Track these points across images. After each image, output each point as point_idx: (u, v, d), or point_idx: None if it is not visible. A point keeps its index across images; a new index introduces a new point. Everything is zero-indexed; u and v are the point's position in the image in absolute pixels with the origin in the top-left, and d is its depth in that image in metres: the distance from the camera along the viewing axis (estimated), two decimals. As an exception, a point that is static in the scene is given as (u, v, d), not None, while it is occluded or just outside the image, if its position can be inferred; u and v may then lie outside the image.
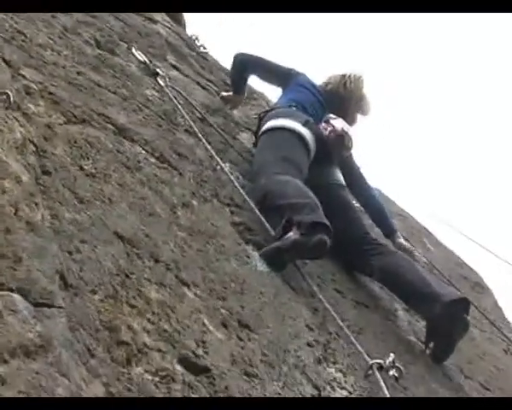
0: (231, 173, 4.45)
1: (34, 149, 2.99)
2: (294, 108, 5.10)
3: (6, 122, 2.93)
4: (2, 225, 2.37)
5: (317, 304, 3.82)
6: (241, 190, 4.24)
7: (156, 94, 4.67)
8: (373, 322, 4.34)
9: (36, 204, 2.63)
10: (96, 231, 2.88)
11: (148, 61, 4.95)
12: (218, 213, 3.95)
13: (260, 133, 5.01)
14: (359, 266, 4.83)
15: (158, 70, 4.94)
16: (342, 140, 5.00)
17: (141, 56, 4.95)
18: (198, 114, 5.03)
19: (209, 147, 4.47)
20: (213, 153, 4.43)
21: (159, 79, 4.87)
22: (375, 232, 5.24)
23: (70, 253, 2.63)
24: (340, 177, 5.14)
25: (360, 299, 4.51)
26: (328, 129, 4.97)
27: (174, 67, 5.53)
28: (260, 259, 3.85)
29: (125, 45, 4.94)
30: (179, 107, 4.65)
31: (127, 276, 2.79)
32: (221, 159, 4.47)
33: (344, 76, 5.47)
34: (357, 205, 5.49)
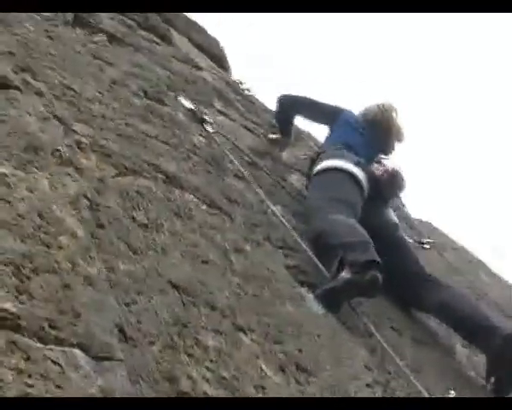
0: (283, 216, 4.45)
1: (88, 203, 3.04)
2: (345, 150, 5.11)
3: (59, 178, 2.98)
4: (60, 281, 2.41)
5: (375, 344, 3.80)
6: (294, 232, 4.24)
7: (204, 140, 4.71)
8: (432, 359, 4.28)
9: (92, 258, 2.66)
10: (151, 282, 2.91)
11: (194, 108, 5.00)
12: (271, 257, 3.95)
13: (313, 175, 5.02)
14: (415, 302, 4.78)
15: (205, 116, 4.97)
16: (395, 179, 5.00)
17: (188, 104, 5.00)
18: (246, 158, 5.05)
19: (259, 190, 4.49)
20: (263, 196, 4.45)
21: (206, 125, 4.90)
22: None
23: (127, 305, 2.66)
24: (393, 216, 5.12)
25: (417, 336, 4.46)
26: (381, 169, 4.97)
27: (221, 112, 5.56)
28: (315, 301, 3.84)
29: (173, 94, 5.00)
30: (227, 152, 4.68)
31: (184, 325, 2.80)
32: (272, 202, 4.48)
33: (379, 106, 5.50)
34: (410, 241, 5.45)
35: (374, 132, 5.39)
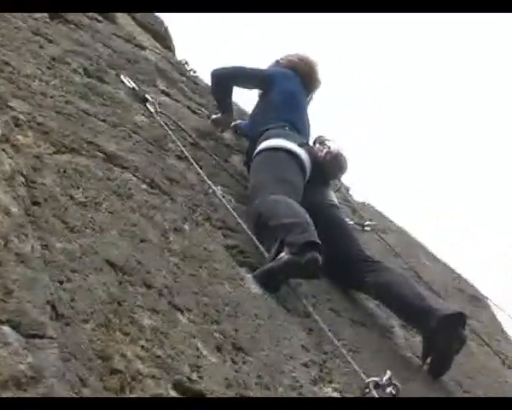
0: (223, 197, 4.45)
1: (23, 180, 3.00)
2: (288, 128, 5.14)
3: (-6, 154, 2.95)
4: (-8, 257, 2.37)
5: (313, 324, 3.82)
6: (234, 213, 4.24)
7: (146, 120, 4.68)
8: (369, 340, 4.32)
9: (26, 235, 2.63)
10: (88, 260, 2.89)
11: (137, 88, 4.96)
12: (210, 237, 3.95)
13: (255, 154, 5.01)
14: (354, 283, 4.82)
15: (147, 96, 4.94)
16: (338, 161, 5.03)
17: (130, 83, 4.97)
18: (189, 139, 5.03)
19: (200, 171, 4.48)
20: (205, 177, 4.44)
21: (148, 104, 4.87)
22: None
23: (61, 283, 2.64)
24: (333, 197, 5.16)
25: (356, 317, 4.50)
26: (324, 150, 5.00)
27: (164, 92, 5.54)
28: (254, 281, 3.85)
29: (114, 72, 4.96)
30: (169, 132, 4.66)
31: (119, 304, 2.79)
32: (213, 182, 4.47)
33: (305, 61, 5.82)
34: (351, 223, 5.50)
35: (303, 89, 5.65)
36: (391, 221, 7.20)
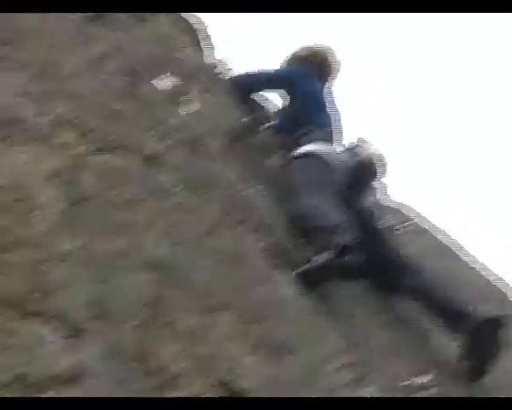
0: (260, 197, 4.44)
1: (64, 179, 3.02)
2: (319, 133, 5.13)
3: (36, 154, 2.97)
4: (34, 256, 2.40)
5: (350, 326, 3.81)
6: (270, 214, 4.24)
7: (183, 120, 4.69)
8: (407, 342, 4.31)
9: (67, 234, 2.65)
10: (127, 260, 2.90)
11: (174, 88, 4.97)
12: (247, 238, 3.95)
13: (290, 159, 5.02)
14: (391, 287, 4.80)
15: (184, 96, 4.95)
16: (369, 169, 5.00)
17: (167, 83, 4.97)
18: (226, 139, 5.03)
19: (237, 172, 4.48)
20: (240, 178, 4.44)
21: (184, 104, 4.88)
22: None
23: (101, 282, 2.65)
24: (369, 203, 5.12)
25: (394, 319, 4.48)
26: (357, 157, 4.98)
27: (201, 92, 5.54)
28: (291, 282, 3.85)
29: (152, 73, 4.97)
30: (206, 132, 4.66)
31: (158, 304, 2.80)
32: (249, 183, 4.47)
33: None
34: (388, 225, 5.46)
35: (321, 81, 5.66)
36: (429, 222, 7.15)
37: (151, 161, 3.83)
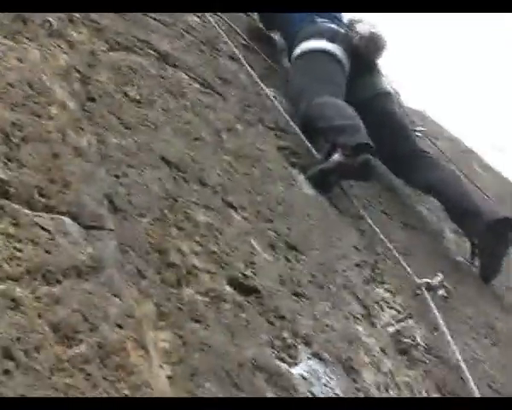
0: (275, 98, 4.41)
1: (78, 75, 3.00)
2: (318, 19, 4.97)
3: (50, 50, 2.95)
4: (50, 150, 2.40)
5: (365, 226, 3.82)
6: (286, 115, 4.21)
7: (198, 20, 4.63)
8: (421, 243, 4.32)
9: (82, 130, 2.66)
10: (143, 156, 2.90)
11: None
12: (262, 138, 3.94)
13: (292, 59, 4.92)
14: (408, 177, 4.76)
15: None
16: (374, 43, 4.83)
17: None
18: (241, 41, 4.98)
19: (252, 72, 4.44)
20: (257, 78, 4.40)
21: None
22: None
23: (117, 177, 2.66)
24: (382, 83, 5.01)
25: (407, 220, 4.49)
26: (357, 36, 4.80)
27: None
28: (306, 182, 3.85)
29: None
30: (221, 33, 4.61)
31: (174, 199, 2.81)
32: (265, 84, 4.43)
33: None
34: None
35: None
36: (444, 129, 7.10)
37: (167, 59, 3.80)
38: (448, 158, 5.58)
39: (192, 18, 4.60)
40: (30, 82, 2.63)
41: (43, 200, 2.20)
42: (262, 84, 4.38)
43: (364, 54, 4.82)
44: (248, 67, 4.46)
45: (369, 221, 3.78)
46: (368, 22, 4.88)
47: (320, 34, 4.81)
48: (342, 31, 4.87)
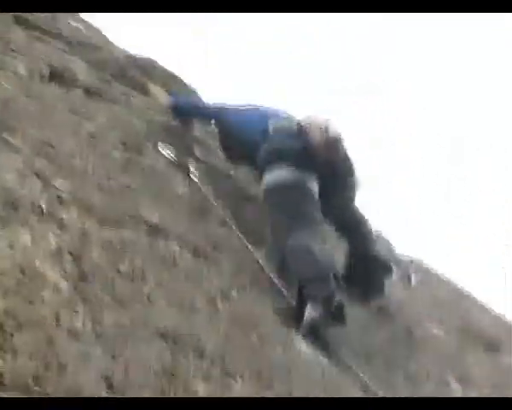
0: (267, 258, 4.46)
1: (70, 256, 3.02)
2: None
3: (41, 233, 2.98)
4: (44, 335, 2.39)
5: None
6: (279, 281, 4.28)
7: (186, 189, 4.71)
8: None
9: (76, 311, 2.65)
10: (138, 332, 2.88)
11: (174, 157, 5.00)
12: (258, 301, 3.94)
13: (263, 190, 4.87)
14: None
15: (185, 164, 4.99)
16: (334, 148, 4.82)
17: (167, 153, 5.00)
18: (228, 204, 5.04)
19: (242, 237, 4.49)
20: (247, 243, 4.45)
21: (188, 174, 4.92)
22: None
23: (114, 356, 2.63)
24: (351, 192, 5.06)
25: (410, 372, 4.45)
26: (312, 148, 4.79)
27: (200, 160, 5.57)
28: (301, 341, 3.86)
29: (152, 144, 5.00)
30: (211, 199, 4.68)
31: (172, 374, 2.78)
32: (256, 246, 4.47)
33: None
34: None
35: None
36: (439, 275, 7.12)
37: (157, 230, 3.84)
38: (445, 303, 5.55)
39: (180, 187, 4.68)
40: (22, 267, 2.65)
41: (37, 388, 2.18)
42: (252, 249, 4.43)
43: (329, 162, 4.81)
44: (238, 232, 4.51)
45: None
46: (316, 123, 4.91)
47: (280, 158, 4.78)
48: (298, 147, 4.86)
